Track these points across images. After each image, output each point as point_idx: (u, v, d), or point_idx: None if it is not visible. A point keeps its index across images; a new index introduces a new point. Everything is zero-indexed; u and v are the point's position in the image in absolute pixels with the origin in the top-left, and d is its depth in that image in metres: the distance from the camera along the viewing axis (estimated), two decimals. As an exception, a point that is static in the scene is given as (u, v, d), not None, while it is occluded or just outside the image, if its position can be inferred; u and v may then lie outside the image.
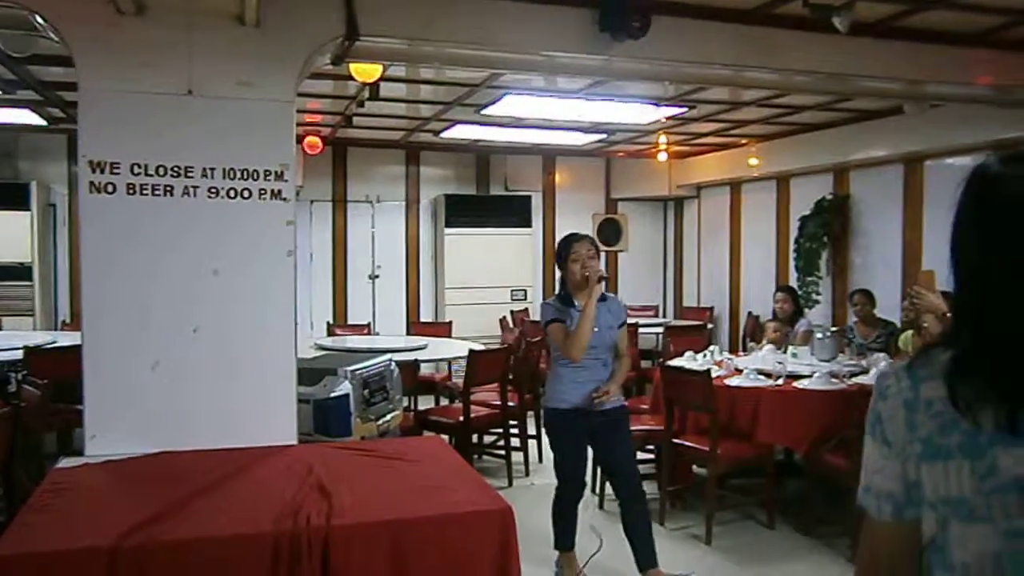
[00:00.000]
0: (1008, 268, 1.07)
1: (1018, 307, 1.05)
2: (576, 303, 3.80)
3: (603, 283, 3.73)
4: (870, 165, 7.50)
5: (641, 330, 8.04)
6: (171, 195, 3.29)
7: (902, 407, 1.15)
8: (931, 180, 6.94)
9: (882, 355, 5.34)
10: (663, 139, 8.65)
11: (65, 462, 3.12)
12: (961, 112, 6.01)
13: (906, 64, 4.58)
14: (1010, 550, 1.05)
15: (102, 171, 3.21)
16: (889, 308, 6.24)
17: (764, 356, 5.69)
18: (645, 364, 7.62)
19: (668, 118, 7.29)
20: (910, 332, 5.61)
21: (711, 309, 9.60)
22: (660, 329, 8.23)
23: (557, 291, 3.99)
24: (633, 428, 5.29)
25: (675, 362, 5.42)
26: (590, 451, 4.07)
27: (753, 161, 8.74)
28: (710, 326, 9.27)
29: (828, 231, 7.79)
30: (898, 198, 7.22)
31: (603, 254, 10.18)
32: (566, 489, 3.96)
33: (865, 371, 5.09)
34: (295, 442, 3.47)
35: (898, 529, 1.19)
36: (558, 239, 10.65)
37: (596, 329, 3.73)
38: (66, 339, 5.83)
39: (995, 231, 1.10)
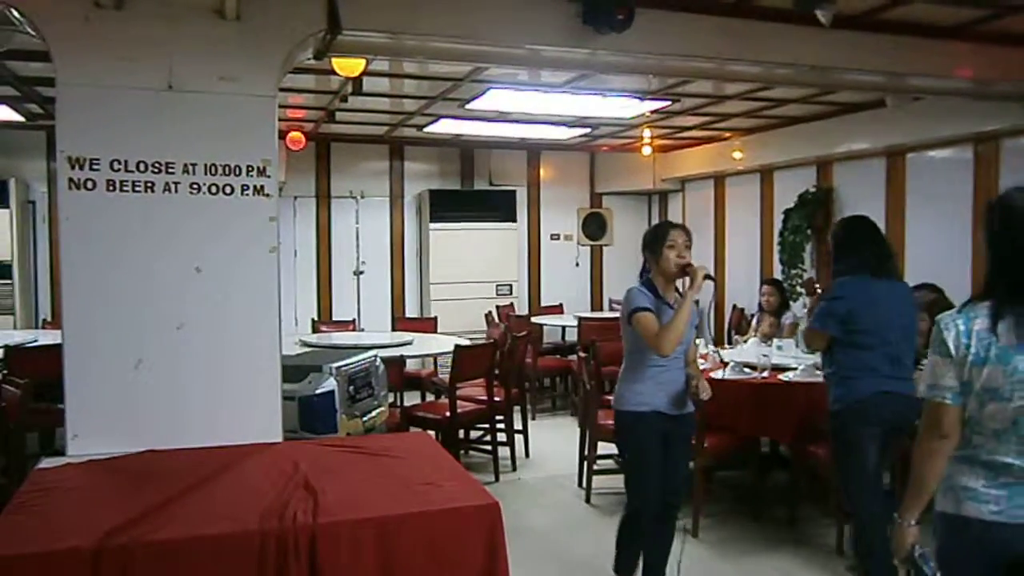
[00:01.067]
0: (1017, 254, 2.08)
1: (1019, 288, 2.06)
2: (663, 296, 3.51)
3: (710, 282, 3.43)
4: (853, 158, 7.54)
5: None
6: (152, 191, 3.26)
7: (962, 335, 2.09)
8: (913, 173, 6.99)
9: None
10: (647, 133, 8.65)
11: (47, 462, 3.08)
12: (942, 105, 6.06)
13: (887, 57, 4.59)
14: (1020, 415, 2.04)
15: (81, 167, 3.17)
16: (872, 300, 6.27)
17: (749, 348, 5.72)
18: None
19: (652, 112, 7.29)
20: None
21: (696, 302, 9.61)
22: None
23: (640, 281, 3.64)
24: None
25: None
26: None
27: (737, 154, 8.76)
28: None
29: (812, 224, 7.83)
30: (880, 190, 7.26)
31: (587, 247, 10.31)
32: (646, 506, 3.52)
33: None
34: (280, 439, 3.44)
35: (954, 410, 2.11)
36: (544, 233, 10.72)
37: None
38: (47, 338, 5.78)
39: (1011, 234, 2.10)
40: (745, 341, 6.24)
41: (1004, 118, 5.75)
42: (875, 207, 7.30)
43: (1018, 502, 2.07)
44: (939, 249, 6.56)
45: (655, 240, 3.53)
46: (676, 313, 3.37)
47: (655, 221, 10.67)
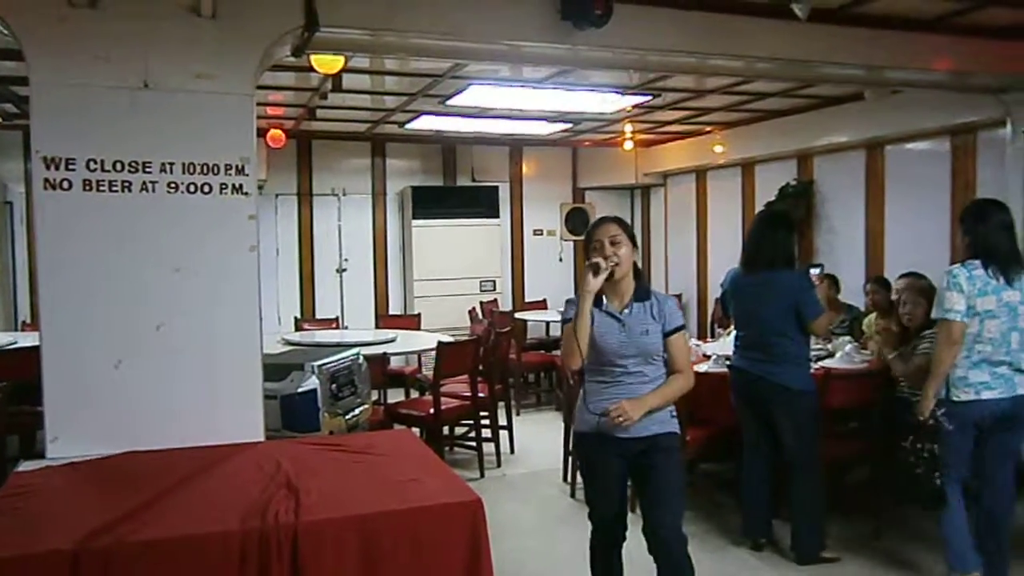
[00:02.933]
0: (986, 241, 3.59)
1: (993, 247, 3.57)
2: (606, 301, 3.08)
3: (602, 275, 2.95)
4: (833, 151, 7.59)
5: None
6: (129, 191, 3.23)
7: (967, 279, 3.52)
8: (892, 165, 7.04)
9: (847, 339, 5.40)
10: (629, 128, 8.69)
11: (26, 465, 3.06)
12: (920, 98, 6.10)
13: (865, 50, 4.62)
14: (1007, 328, 3.53)
15: (57, 167, 3.14)
16: (853, 292, 6.33)
17: (731, 342, 5.74)
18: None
19: (634, 107, 7.31)
20: (873, 315, 5.70)
21: (679, 296, 9.67)
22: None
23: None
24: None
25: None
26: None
27: (718, 148, 8.80)
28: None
29: (793, 216, 7.85)
30: (860, 183, 7.32)
31: (571, 243, 10.32)
32: (594, 533, 3.23)
33: (831, 355, 5.15)
34: (262, 438, 3.43)
35: (962, 325, 3.49)
36: (527, 229, 10.72)
37: (623, 333, 3.02)
38: (27, 339, 5.71)
39: (984, 221, 3.63)
40: (728, 334, 6.26)
41: (980, 111, 5.80)
42: (855, 199, 7.38)
43: (1010, 385, 3.58)
44: (918, 238, 6.62)
45: (586, 245, 3.13)
46: (573, 321, 2.99)
47: (638, 215, 10.72)
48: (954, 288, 3.53)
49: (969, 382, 3.57)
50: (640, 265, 3.21)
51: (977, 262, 3.55)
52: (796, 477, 4.16)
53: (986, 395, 3.56)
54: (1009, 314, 3.56)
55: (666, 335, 3.06)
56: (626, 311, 3.05)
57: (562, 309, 3.14)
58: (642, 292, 3.08)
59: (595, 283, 2.95)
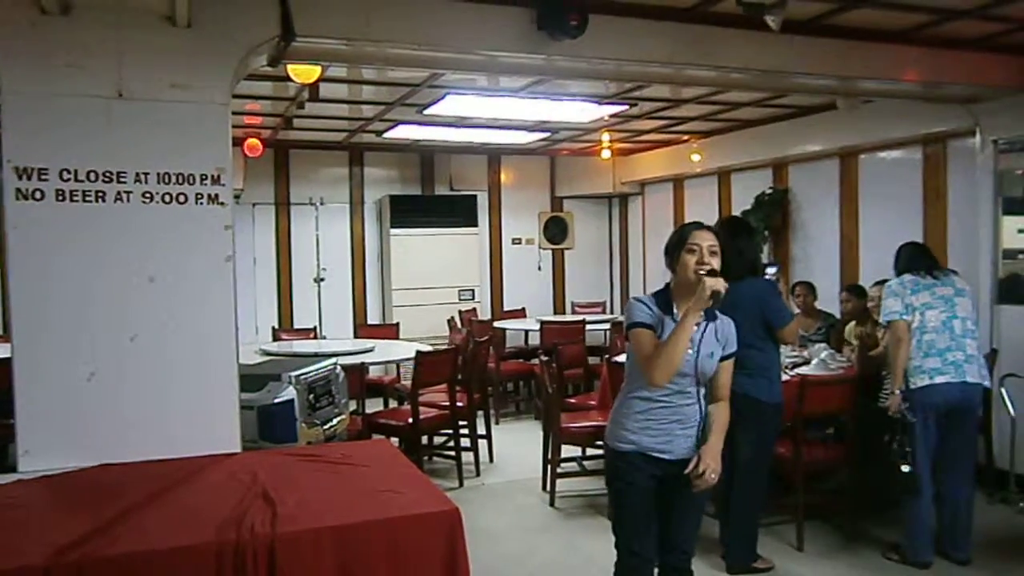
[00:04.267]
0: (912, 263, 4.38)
1: (914, 260, 4.37)
2: (676, 311, 2.89)
3: (715, 297, 2.75)
4: (807, 160, 7.68)
5: (589, 327, 8.13)
6: (103, 201, 3.20)
7: (899, 284, 4.28)
8: (865, 173, 7.13)
9: (823, 346, 5.45)
10: (606, 137, 8.73)
11: (-3, 479, 3.02)
12: (892, 108, 6.19)
13: (837, 61, 4.69)
14: (946, 317, 4.16)
15: (29, 177, 3.11)
16: (829, 299, 6.39)
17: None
18: (593, 360, 7.68)
19: (611, 116, 7.35)
20: (854, 323, 5.76)
21: (715, 316, 9.69)
22: (607, 325, 8.32)
23: (656, 290, 3.02)
24: (581, 424, 5.38)
25: (622, 358, 5.45)
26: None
27: (695, 157, 8.87)
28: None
29: (769, 224, 7.95)
30: (834, 191, 7.40)
31: (549, 251, 10.36)
32: (625, 565, 2.99)
33: (807, 362, 5.19)
34: (239, 450, 3.41)
35: (903, 323, 4.17)
36: (506, 237, 10.72)
37: (691, 351, 2.84)
38: (-2, 351, 5.63)
39: (905, 247, 4.52)
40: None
41: (950, 120, 5.90)
42: (829, 207, 7.46)
43: (960, 371, 4.08)
44: (892, 245, 6.65)
45: (675, 244, 2.94)
46: (671, 335, 2.78)
47: (616, 223, 10.77)
48: (889, 295, 4.27)
49: (923, 369, 4.11)
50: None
51: (906, 275, 4.31)
52: (740, 487, 4.09)
53: (939, 380, 4.08)
54: (945, 304, 4.19)
55: (722, 359, 2.95)
56: (696, 330, 2.85)
57: (626, 312, 2.96)
58: (710, 312, 2.88)
59: (718, 285, 2.73)
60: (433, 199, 9.58)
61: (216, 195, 3.37)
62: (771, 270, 4.62)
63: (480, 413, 6.34)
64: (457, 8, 3.86)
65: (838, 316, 6.09)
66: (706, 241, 2.87)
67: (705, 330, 2.89)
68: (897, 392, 4.15)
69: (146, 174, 3.26)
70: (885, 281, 5.24)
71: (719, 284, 2.75)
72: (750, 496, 4.14)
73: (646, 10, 4.17)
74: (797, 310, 6.38)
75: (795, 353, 5.41)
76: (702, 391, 2.95)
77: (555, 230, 10.39)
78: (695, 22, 4.30)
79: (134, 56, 3.25)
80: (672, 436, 2.90)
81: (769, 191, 8.03)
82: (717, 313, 2.93)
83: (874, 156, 7.03)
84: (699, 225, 2.99)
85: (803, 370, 4.98)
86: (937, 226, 6.33)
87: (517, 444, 6.71)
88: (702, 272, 2.80)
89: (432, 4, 3.81)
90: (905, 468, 4.09)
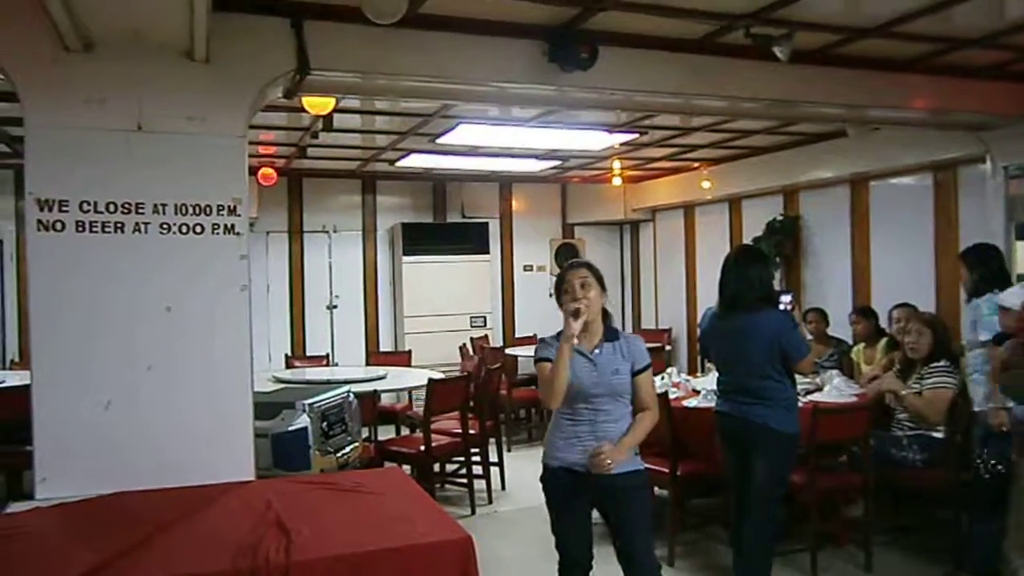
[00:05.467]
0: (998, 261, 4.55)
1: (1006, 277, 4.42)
2: (577, 341, 3.13)
3: (581, 319, 3.06)
4: (818, 186, 7.70)
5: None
6: (122, 232, 3.27)
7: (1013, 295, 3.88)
8: (876, 199, 7.15)
9: (835, 372, 5.43)
10: (617, 164, 8.78)
11: (14, 507, 3.05)
12: (902, 135, 6.22)
13: (847, 90, 4.72)
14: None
15: (50, 209, 3.18)
16: (840, 325, 6.38)
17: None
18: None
19: (621, 144, 7.41)
20: (861, 345, 5.75)
21: (669, 331, 9.71)
22: (619, 352, 8.29)
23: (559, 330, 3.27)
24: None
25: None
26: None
27: (705, 184, 8.90)
28: (668, 348, 9.38)
29: (780, 251, 7.95)
30: (845, 218, 7.42)
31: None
32: (562, 564, 3.29)
33: (819, 388, 5.18)
34: (253, 477, 3.43)
35: None
36: (517, 264, 10.73)
37: (593, 372, 3.12)
38: (15, 379, 5.69)
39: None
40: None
41: (960, 147, 5.92)
42: (840, 233, 7.48)
43: None
44: (903, 272, 6.70)
45: (556, 288, 3.26)
46: (553, 363, 3.08)
47: (628, 250, 10.80)
48: (994, 314, 4.04)
49: None
50: (609, 307, 3.30)
51: (1016, 287, 4.10)
52: (756, 516, 4.05)
53: None
54: None
55: (635, 374, 3.19)
56: (597, 351, 3.16)
57: (536, 350, 3.25)
58: (611, 333, 3.22)
59: (576, 327, 3.06)
60: (445, 227, 9.64)
61: (232, 225, 3.42)
62: (785, 298, 4.57)
63: (492, 440, 6.33)
64: (469, 41, 3.93)
65: (849, 341, 6.08)
66: (576, 278, 3.17)
67: (603, 351, 3.17)
68: (1005, 408, 3.93)
69: (164, 205, 3.33)
70: (906, 305, 5.26)
71: (572, 307, 3.07)
72: (765, 525, 4.11)
73: (656, 41, 4.23)
74: (810, 336, 6.39)
75: (807, 380, 5.39)
76: (623, 407, 3.18)
77: (567, 257, 10.40)
78: (704, 53, 4.36)
79: (153, 90, 3.32)
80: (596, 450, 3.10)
81: (780, 218, 8.05)
82: (620, 333, 3.26)
83: (885, 182, 7.05)
84: (572, 266, 3.27)
85: (816, 396, 4.97)
86: (949, 252, 6.32)
87: (529, 471, 6.60)
88: (569, 309, 3.09)
89: (444, 37, 3.88)
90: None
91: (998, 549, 3.87)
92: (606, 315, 3.23)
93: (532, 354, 9.54)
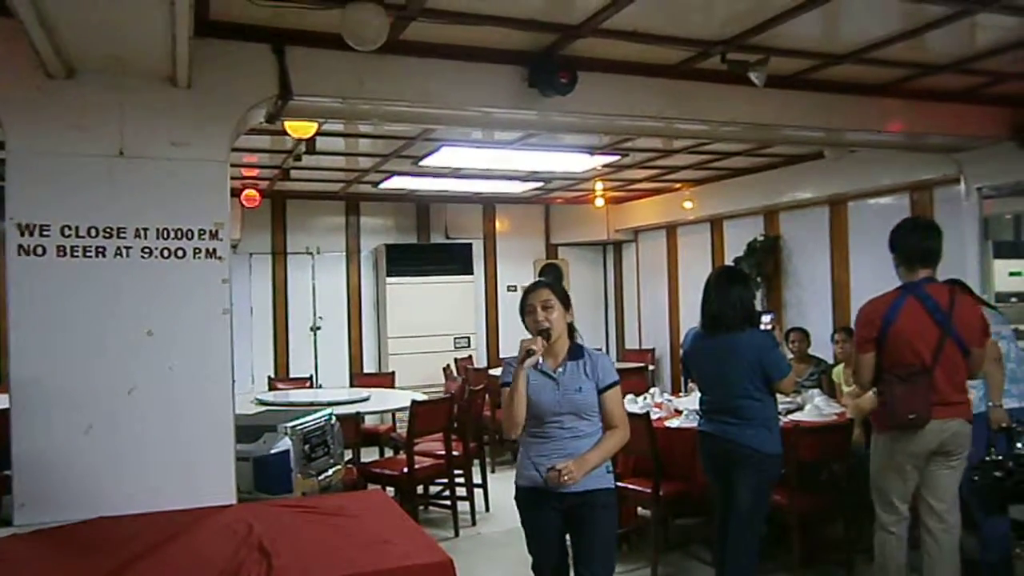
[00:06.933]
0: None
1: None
2: (541, 360, 3.13)
3: (548, 338, 3.09)
4: (798, 207, 7.80)
5: (584, 374, 8.13)
6: (103, 256, 3.27)
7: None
8: (855, 220, 7.25)
9: (816, 391, 5.48)
10: (599, 185, 8.86)
11: (-8, 533, 3.03)
12: (879, 156, 6.33)
13: (823, 113, 4.81)
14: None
15: (31, 234, 3.18)
16: (821, 344, 6.44)
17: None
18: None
19: (603, 166, 7.47)
20: (842, 366, 5.80)
21: (652, 351, 9.75)
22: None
23: None
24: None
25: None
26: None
27: (687, 205, 8.99)
28: (652, 368, 9.42)
29: (761, 271, 8.03)
30: (825, 237, 7.51)
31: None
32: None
33: (800, 408, 5.22)
34: (234, 501, 3.42)
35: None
36: (501, 285, 10.74)
37: (556, 391, 3.12)
38: (-6, 403, 5.64)
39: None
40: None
41: (936, 168, 6.03)
42: (820, 253, 7.56)
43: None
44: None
45: (520, 309, 3.28)
46: (510, 389, 3.08)
47: (611, 270, 10.86)
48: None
49: (1011, 393, 4.26)
50: (574, 324, 3.30)
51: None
52: (737, 536, 4.05)
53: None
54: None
55: (600, 391, 3.16)
56: (560, 370, 3.16)
57: (501, 373, 3.23)
58: (576, 351, 3.21)
59: (531, 362, 3.04)
60: (429, 248, 9.67)
61: (214, 249, 3.43)
62: (767, 318, 4.62)
63: (476, 462, 6.33)
64: (450, 67, 3.98)
65: (830, 360, 6.14)
66: (539, 299, 3.18)
67: (566, 369, 3.16)
68: (1000, 404, 4.15)
69: (145, 230, 3.34)
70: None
71: (530, 342, 3.06)
72: (748, 544, 4.12)
73: (634, 67, 4.29)
74: (791, 355, 6.44)
75: (788, 399, 5.43)
76: (592, 425, 3.14)
77: (550, 277, 10.43)
78: (682, 78, 4.43)
79: (135, 116, 3.34)
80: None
81: (761, 238, 8.14)
82: (585, 351, 3.23)
83: (863, 203, 7.16)
84: (534, 286, 3.27)
85: (797, 416, 5.01)
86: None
87: (513, 493, 6.67)
88: (540, 328, 3.10)
89: (425, 63, 3.92)
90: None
91: (1010, 546, 4.01)
92: (572, 332, 3.24)
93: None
